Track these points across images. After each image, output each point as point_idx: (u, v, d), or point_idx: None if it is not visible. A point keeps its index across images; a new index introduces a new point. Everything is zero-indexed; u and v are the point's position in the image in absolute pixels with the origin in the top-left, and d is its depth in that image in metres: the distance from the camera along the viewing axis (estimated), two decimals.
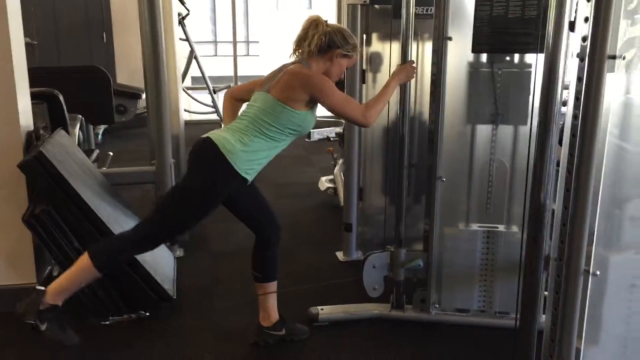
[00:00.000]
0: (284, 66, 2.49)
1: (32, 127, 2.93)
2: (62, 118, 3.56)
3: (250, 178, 2.39)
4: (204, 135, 2.40)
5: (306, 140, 6.71)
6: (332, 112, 2.44)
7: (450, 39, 2.55)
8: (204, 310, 3.04)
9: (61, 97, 3.53)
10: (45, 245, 2.77)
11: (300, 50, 2.49)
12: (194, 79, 8.33)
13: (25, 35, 7.04)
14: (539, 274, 1.73)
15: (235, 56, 7.80)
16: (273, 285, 2.68)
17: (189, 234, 3.87)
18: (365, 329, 2.86)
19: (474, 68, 2.63)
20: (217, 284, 3.33)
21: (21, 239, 2.89)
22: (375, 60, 3.38)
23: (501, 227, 2.77)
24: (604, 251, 1.78)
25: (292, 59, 2.53)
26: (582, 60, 1.61)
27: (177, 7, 6.79)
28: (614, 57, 1.57)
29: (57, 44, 7.38)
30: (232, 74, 7.76)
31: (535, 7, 2.43)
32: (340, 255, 3.68)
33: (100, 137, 6.68)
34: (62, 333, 2.38)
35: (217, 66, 10.63)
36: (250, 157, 2.35)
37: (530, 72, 2.55)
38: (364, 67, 3.35)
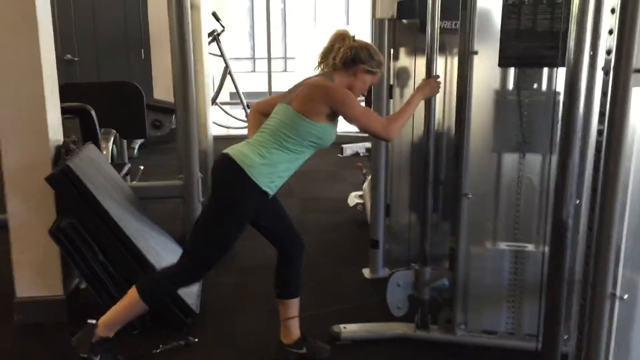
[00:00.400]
0: (307, 79, 2.48)
1: (61, 141, 2.97)
2: (93, 132, 3.62)
3: (271, 192, 2.37)
4: (224, 151, 2.40)
5: (339, 155, 6.73)
6: (353, 124, 2.41)
7: (476, 53, 2.49)
8: (227, 326, 3.02)
9: (93, 112, 3.59)
10: (70, 258, 2.80)
11: (324, 64, 2.48)
12: (231, 94, 8.43)
13: (67, 52, 7.25)
14: (560, 296, 1.65)
15: (269, 72, 7.86)
16: (295, 302, 2.65)
17: None
18: (388, 349, 2.80)
19: (500, 96, 2.57)
20: (242, 300, 3.31)
21: (48, 251, 2.92)
22: (402, 76, 3.34)
23: (530, 247, 2.68)
24: (633, 274, 1.69)
25: (316, 73, 2.52)
26: (606, 74, 1.54)
27: (211, 24, 6.91)
28: None
29: (97, 60, 7.55)
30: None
31: (566, 20, 2.35)
32: (366, 272, 3.62)
33: (136, 151, 6.80)
34: None
35: (254, 82, 10.75)
36: (270, 170, 2.33)
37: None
38: (391, 82, 3.32)
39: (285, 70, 15.48)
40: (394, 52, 3.31)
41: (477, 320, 2.77)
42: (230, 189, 2.33)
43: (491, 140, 2.61)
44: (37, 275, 3.00)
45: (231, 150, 2.37)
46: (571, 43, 1.50)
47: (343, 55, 2.41)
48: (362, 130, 2.43)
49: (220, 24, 6.90)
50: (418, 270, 2.79)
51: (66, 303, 3.03)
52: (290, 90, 2.48)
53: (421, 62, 3.12)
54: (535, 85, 2.54)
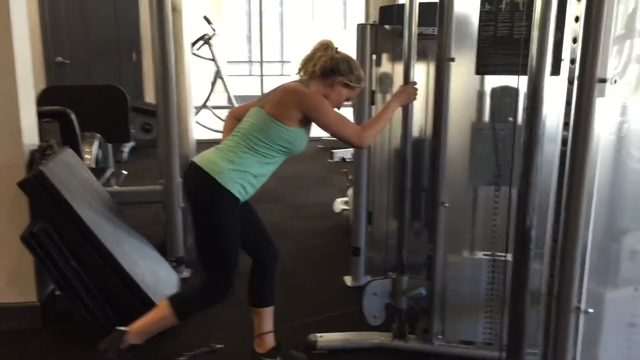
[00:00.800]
0: (282, 85, 2.45)
1: (36, 145, 2.93)
2: (73, 136, 3.58)
3: (241, 197, 2.33)
4: (192, 159, 2.36)
5: (329, 160, 6.70)
6: (326, 131, 2.37)
7: (453, 60, 2.46)
8: (202, 333, 2.98)
9: (73, 116, 3.56)
10: (42, 264, 2.76)
11: (304, 71, 2.45)
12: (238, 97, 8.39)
13: (58, 54, 7.21)
14: (523, 308, 1.62)
15: (262, 75, 7.84)
16: (269, 311, 2.62)
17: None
18: (365, 358, 2.76)
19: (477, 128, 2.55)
20: (219, 307, 3.26)
21: (22, 257, 2.88)
22: (384, 82, 3.31)
23: (508, 256, 2.63)
24: (599, 287, 1.66)
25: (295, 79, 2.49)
26: (570, 83, 1.51)
27: (204, 28, 6.90)
28: (604, 81, 1.46)
29: (88, 63, 7.53)
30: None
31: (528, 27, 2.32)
32: (348, 280, 3.58)
33: (126, 154, 6.77)
34: None
35: (250, 86, 10.72)
36: (239, 176, 2.28)
37: None
38: (373, 88, 3.29)
39: (282, 74, 15.46)
40: (376, 57, 3.28)
41: (455, 330, 2.73)
42: (205, 200, 2.30)
43: (468, 136, 2.57)
44: (10, 281, 2.96)
45: (199, 159, 2.34)
46: (533, 50, 1.46)
47: (323, 64, 2.38)
48: (335, 137, 2.38)
49: (212, 27, 6.87)
50: (395, 279, 2.76)
51: (40, 309, 2.99)
52: (265, 95, 2.46)
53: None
54: (510, 119, 2.51)
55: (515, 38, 2.37)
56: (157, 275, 3.15)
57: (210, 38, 6.88)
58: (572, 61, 1.49)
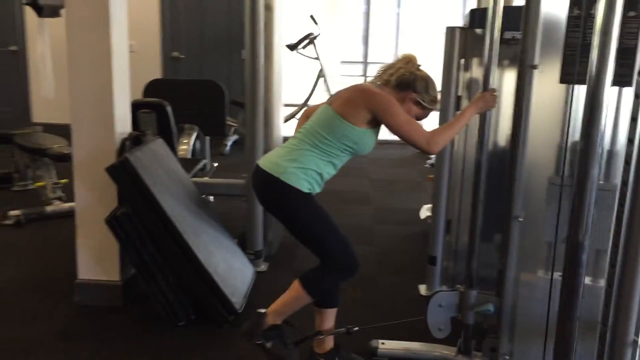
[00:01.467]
0: (355, 84, 2.44)
1: (127, 134, 3.10)
2: (167, 127, 3.75)
3: (313, 191, 2.35)
4: (257, 161, 2.40)
5: (425, 165, 6.57)
6: (394, 134, 2.32)
7: (535, 67, 2.33)
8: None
9: (169, 108, 3.73)
10: (122, 246, 2.92)
11: (379, 78, 2.43)
12: None
13: (175, 49, 7.61)
14: (571, 340, 1.50)
15: (365, 76, 7.83)
16: (331, 313, 2.60)
17: (276, 250, 3.91)
18: None
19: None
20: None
21: (108, 238, 3.04)
22: (472, 87, 3.19)
23: (587, 280, 2.46)
24: None
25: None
26: (637, 97, 1.38)
27: (310, 27, 6.99)
28: None
29: (201, 58, 7.87)
30: None
31: (635, 35, 2.14)
32: (422, 288, 3.50)
33: (228, 148, 7.00)
34: (285, 349, 2.45)
35: None
36: (304, 172, 2.30)
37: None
38: (460, 93, 3.18)
39: None
40: (464, 62, 3.17)
41: (524, 352, 2.58)
42: (280, 204, 2.35)
43: (549, 160, 2.42)
44: (97, 260, 3.15)
45: (262, 161, 2.39)
46: (592, 55, 1.35)
47: (401, 75, 2.37)
48: (403, 140, 2.33)
49: (317, 27, 6.94)
50: (463, 292, 2.65)
51: (122, 289, 3.17)
52: (336, 93, 2.45)
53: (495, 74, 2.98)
54: None
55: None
56: (231, 267, 3.23)
57: (315, 37, 6.96)
58: None
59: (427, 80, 2.37)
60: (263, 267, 3.72)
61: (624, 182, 1.40)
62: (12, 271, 3.60)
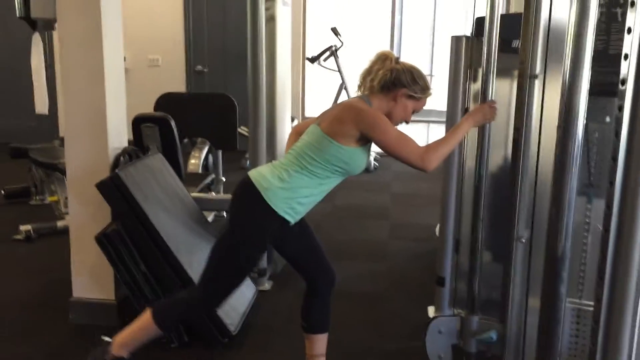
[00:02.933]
0: (344, 101, 2.30)
1: (121, 149, 3.03)
2: (171, 141, 3.68)
3: (291, 219, 2.20)
4: (248, 172, 2.28)
5: None
6: (385, 151, 2.17)
7: (536, 76, 2.16)
8: (264, 350, 2.90)
9: (172, 122, 3.65)
10: (112, 264, 2.84)
11: (363, 86, 2.29)
12: None
13: (198, 63, 7.63)
14: None
15: None
16: (320, 339, 2.47)
17: (281, 269, 3.79)
18: None
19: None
20: (290, 324, 3.17)
21: (103, 255, 2.97)
22: (480, 98, 3.02)
23: None
24: None
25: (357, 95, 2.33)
26: (619, 109, 1.22)
27: (331, 40, 6.89)
28: None
29: (225, 72, 7.85)
30: None
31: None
32: (431, 310, 3.29)
33: (248, 161, 6.93)
34: None
35: None
36: (289, 195, 2.16)
37: None
38: (467, 105, 3.01)
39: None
40: (471, 72, 3.00)
41: None
42: (243, 211, 2.21)
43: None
44: (91, 277, 3.08)
45: (252, 173, 2.25)
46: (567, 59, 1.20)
47: (382, 77, 2.21)
48: (395, 158, 2.17)
49: (339, 39, 6.84)
50: (464, 317, 2.48)
51: (117, 307, 3.09)
52: (325, 111, 2.32)
53: (500, 84, 2.81)
54: (607, 119, 2.14)
55: (611, 54, 2.02)
56: None
57: (337, 49, 6.85)
58: (622, 82, 1.20)
59: (411, 71, 2.22)
60: (267, 285, 3.60)
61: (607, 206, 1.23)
62: (15, 286, 3.58)
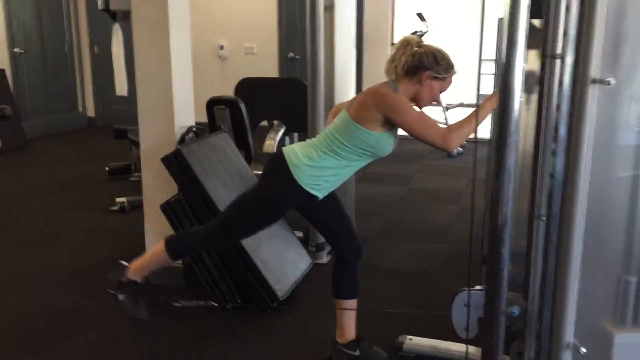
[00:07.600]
0: (370, 87, 2.45)
1: (186, 127, 3.33)
2: (241, 122, 3.95)
3: (317, 194, 2.39)
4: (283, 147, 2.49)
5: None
6: (408, 133, 2.29)
7: (560, 57, 2.18)
8: (311, 317, 3.10)
9: (242, 105, 3.93)
10: (175, 231, 3.15)
11: (390, 73, 2.42)
12: None
13: (290, 50, 7.94)
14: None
15: (479, 74, 7.56)
16: (350, 303, 2.63)
17: None
18: None
19: None
20: None
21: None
22: (529, 81, 3.02)
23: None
24: None
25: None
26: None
27: (417, 25, 6.93)
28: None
29: None
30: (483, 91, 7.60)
31: None
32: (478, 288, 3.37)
33: None
34: (133, 307, 2.65)
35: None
36: (315, 173, 2.35)
37: None
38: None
39: None
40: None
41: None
42: (273, 184, 2.42)
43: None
44: None
45: (285, 148, 2.45)
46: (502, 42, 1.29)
47: (405, 62, 2.33)
48: (418, 139, 2.28)
49: (425, 25, 6.86)
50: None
51: (182, 271, 3.41)
52: (355, 97, 2.47)
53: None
54: None
55: None
56: (283, 256, 3.36)
57: (422, 35, 6.87)
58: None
59: (433, 52, 2.32)
60: (325, 259, 3.80)
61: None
62: (102, 250, 4.00)
